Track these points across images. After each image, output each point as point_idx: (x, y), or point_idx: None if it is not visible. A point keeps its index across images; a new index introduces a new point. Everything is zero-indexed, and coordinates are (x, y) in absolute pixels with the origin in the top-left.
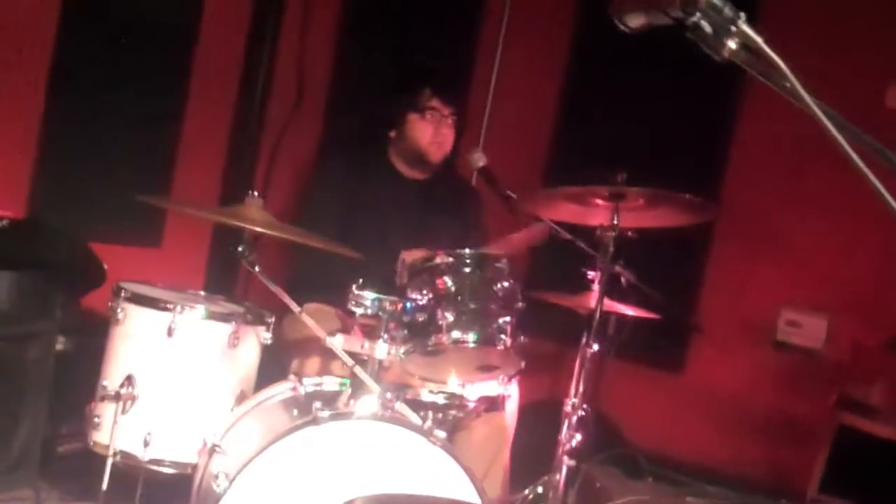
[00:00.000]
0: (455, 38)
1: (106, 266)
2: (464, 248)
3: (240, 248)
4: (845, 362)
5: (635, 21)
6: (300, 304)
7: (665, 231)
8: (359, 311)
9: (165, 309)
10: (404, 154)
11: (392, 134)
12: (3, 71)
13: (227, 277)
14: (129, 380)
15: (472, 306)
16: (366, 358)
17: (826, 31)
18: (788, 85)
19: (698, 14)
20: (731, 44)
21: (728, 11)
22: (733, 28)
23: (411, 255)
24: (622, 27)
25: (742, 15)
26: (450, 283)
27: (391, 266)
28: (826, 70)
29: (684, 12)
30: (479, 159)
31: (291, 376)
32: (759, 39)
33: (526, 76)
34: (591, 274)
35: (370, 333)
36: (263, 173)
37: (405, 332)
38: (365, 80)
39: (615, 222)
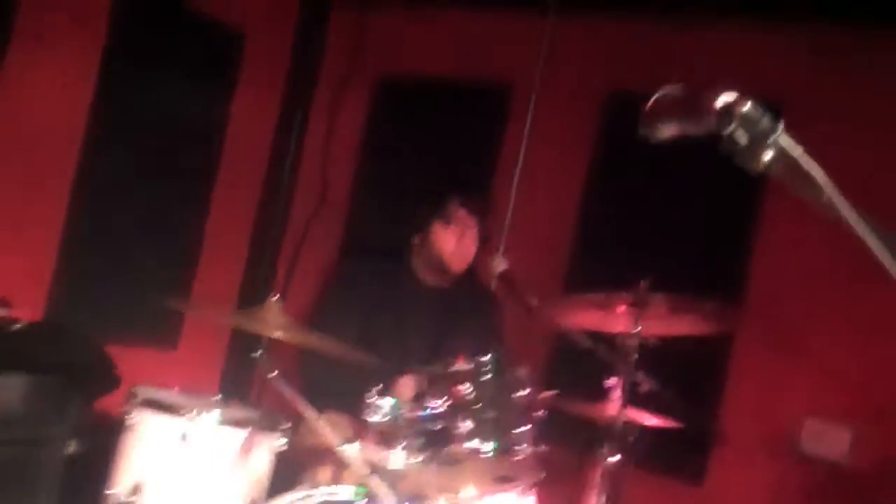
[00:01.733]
0: (478, 142)
1: (118, 370)
2: (484, 354)
3: (258, 354)
4: (872, 475)
5: (667, 132)
6: (318, 410)
7: (687, 337)
8: (374, 418)
9: (179, 414)
10: (427, 261)
11: (416, 240)
12: (29, 170)
13: (242, 381)
14: (136, 488)
15: (491, 415)
16: (381, 467)
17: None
18: (825, 198)
19: (734, 125)
20: (767, 156)
21: (766, 122)
22: (770, 140)
23: (408, 381)
24: (652, 139)
25: (780, 126)
26: (468, 390)
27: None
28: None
29: (720, 124)
30: (500, 264)
31: (305, 484)
32: (797, 152)
33: (548, 182)
34: (610, 382)
35: (386, 441)
36: (284, 274)
37: (422, 440)
38: (389, 182)
39: (637, 330)
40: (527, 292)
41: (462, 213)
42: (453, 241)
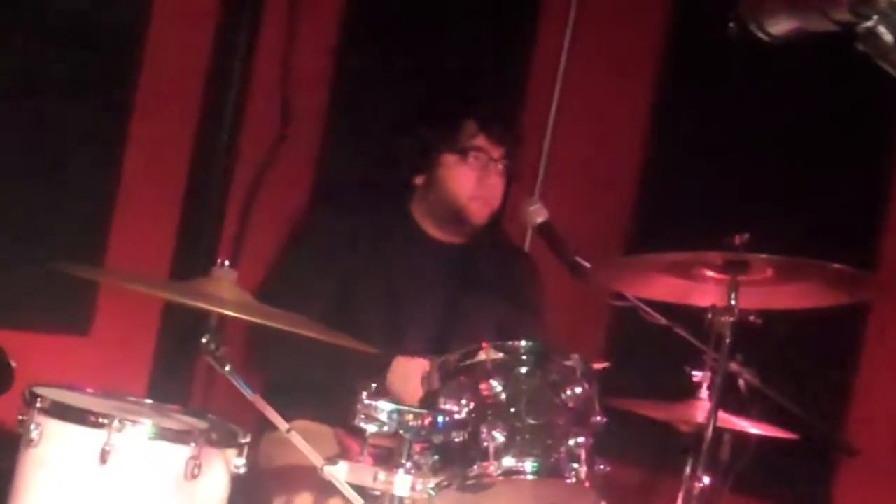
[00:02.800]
0: (501, 47)
1: (14, 363)
2: (518, 338)
3: (204, 339)
4: None
5: (779, 26)
6: (286, 418)
7: (802, 315)
8: (370, 428)
9: (97, 425)
10: (435, 210)
11: (418, 181)
12: None
13: (181, 379)
14: None
15: (531, 422)
16: (379, 494)
17: None
18: None
19: (875, 17)
20: None
21: None
22: None
23: (414, 363)
24: (760, 35)
25: None
26: (499, 388)
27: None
28: None
29: (855, 14)
30: (537, 213)
31: None
32: None
33: (599, 100)
34: (696, 375)
35: (386, 460)
36: (234, 235)
37: (436, 458)
38: (375, 105)
39: (732, 302)
40: (574, 251)
41: (483, 140)
42: (473, 180)
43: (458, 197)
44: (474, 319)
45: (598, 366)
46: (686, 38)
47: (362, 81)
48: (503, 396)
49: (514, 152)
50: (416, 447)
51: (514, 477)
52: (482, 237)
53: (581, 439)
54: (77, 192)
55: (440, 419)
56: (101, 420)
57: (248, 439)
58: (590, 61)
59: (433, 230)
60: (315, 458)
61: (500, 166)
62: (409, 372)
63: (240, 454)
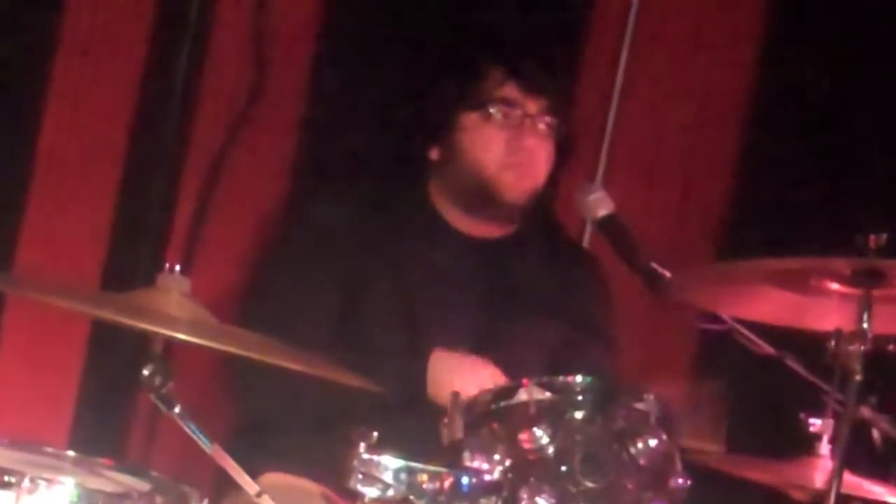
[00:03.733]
0: None
1: None
2: (575, 370)
3: (146, 371)
4: None
5: None
6: (255, 475)
7: None
8: (370, 492)
9: (2, 484)
10: (457, 191)
11: (433, 154)
12: None
13: (115, 424)
14: None
15: (589, 485)
16: None
17: None
18: None
19: None
20: None
21: None
22: None
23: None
24: None
25: None
26: (545, 439)
27: (425, 377)
28: None
29: None
30: (599, 203)
31: None
32: None
33: (686, 52)
34: (815, 424)
35: None
36: (187, 230)
37: None
38: (379, 53)
39: (864, 325)
40: (649, 256)
41: (512, 89)
42: (500, 143)
43: (485, 167)
44: (517, 343)
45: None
46: None
47: (359, 25)
48: (551, 450)
49: (560, 105)
50: None
51: None
52: (526, 228)
53: None
54: None
55: (465, 480)
56: (6, 478)
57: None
58: (665, 17)
59: (458, 220)
60: None
61: (539, 125)
62: (458, 368)
63: None
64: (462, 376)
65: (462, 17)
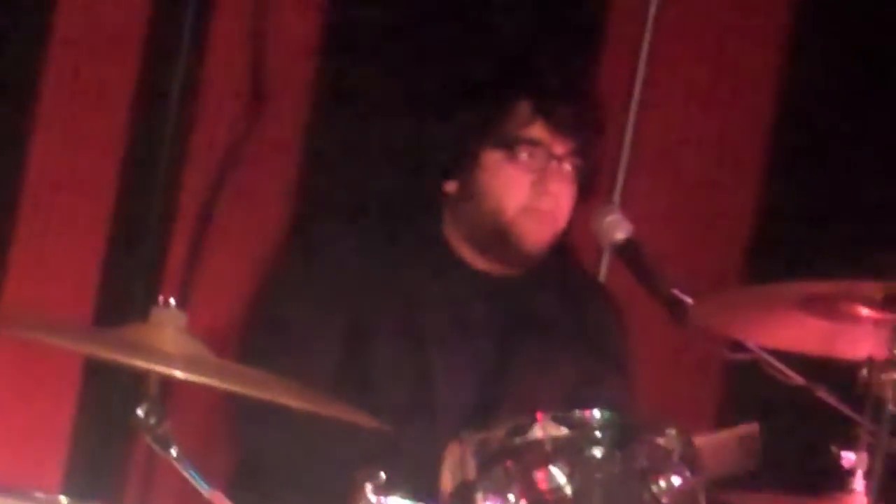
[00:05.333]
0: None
1: None
2: (591, 406)
3: (141, 411)
4: None
5: None
6: None
7: None
8: None
9: None
10: (474, 230)
11: (450, 188)
12: None
13: (110, 467)
14: None
15: None
16: None
17: None
18: None
19: None
20: None
21: None
22: None
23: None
24: None
25: None
26: (562, 479)
27: (442, 445)
28: None
29: None
30: (617, 227)
31: None
32: None
33: (705, 65)
34: (847, 457)
35: None
36: (183, 262)
37: None
38: (393, 76)
39: None
40: (671, 282)
41: (540, 129)
42: (524, 186)
43: (505, 210)
44: (533, 380)
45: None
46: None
47: (366, 56)
48: (568, 490)
49: (588, 148)
50: None
51: None
52: (543, 267)
53: None
54: None
55: None
56: None
57: None
58: (691, 15)
59: (473, 257)
60: None
61: (566, 167)
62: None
63: None
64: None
65: (482, 40)
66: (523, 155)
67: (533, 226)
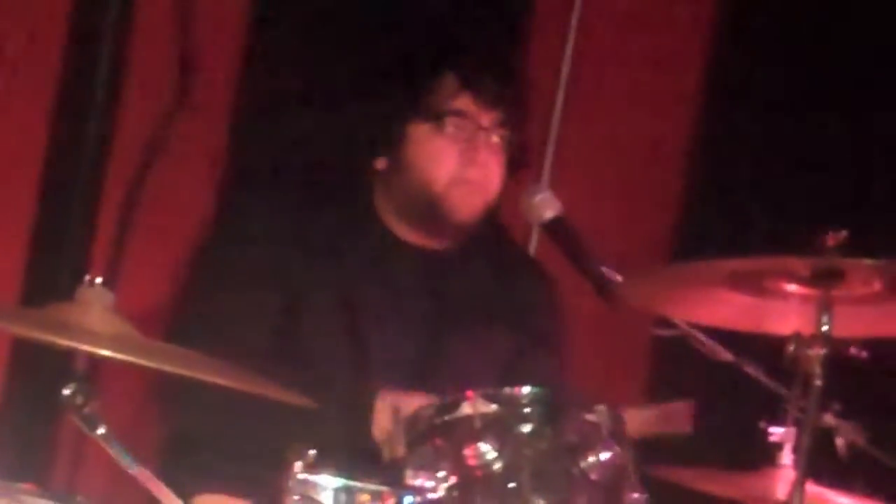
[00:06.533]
0: None
1: None
2: (523, 382)
3: (67, 391)
4: None
5: None
6: (187, 498)
7: None
8: None
9: None
10: (402, 203)
11: (379, 164)
12: None
13: (37, 447)
14: None
15: (541, 502)
16: None
17: None
18: None
19: None
20: None
21: None
22: None
23: (408, 402)
24: None
25: None
26: (492, 454)
27: (370, 419)
28: None
29: None
30: (546, 205)
31: None
32: None
33: (634, 41)
34: (775, 432)
35: None
36: (110, 240)
37: None
38: (314, 55)
39: (824, 328)
40: (600, 259)
41: (466, 100)
42: (452, 158)
43: (435, 182)
44: (467, 355)
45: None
46: None
47: (297, 16)
48: (498, 466)
49: (515, 119)
50: None
51: None
52: (475, 240)
53: None
54: None
55: (408, 500)
56: None
57: None
58: None
59: (405, 231)
60: None
61: (493, 138)
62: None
63: None
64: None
65: (407, 13)
66: (450, 127)
67: (463, 196)
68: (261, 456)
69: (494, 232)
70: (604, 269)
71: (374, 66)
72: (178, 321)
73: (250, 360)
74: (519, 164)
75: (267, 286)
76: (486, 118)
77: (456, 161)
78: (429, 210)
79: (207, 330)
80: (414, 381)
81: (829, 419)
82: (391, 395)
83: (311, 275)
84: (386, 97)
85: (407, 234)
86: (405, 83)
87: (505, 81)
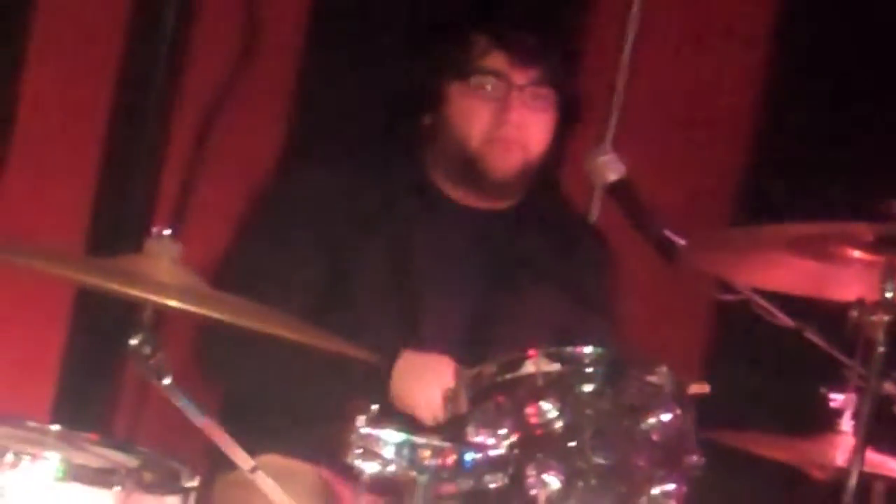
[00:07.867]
0: None
1: None
2: (581, 343)
3: (134, 341)
4: None
5: None
6: (251, 453)
7: None
8: (369, 467)
9: None
10: (447, 162)
11: (426, 121)
12: None
13: (101, 397)
14: None
15: (599, 461)
16: None
17: None
18: None
19: None
20: None
21: None
22: None
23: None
24: None
25: None
26: (553, 413)
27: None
28: None
29: None
30: (610, 168)
31: None
32: None
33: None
34: (836, 399)
35: None
36: (177, 193)
37: None
38: (377, 12)
39: (888, 294)
40: (663, 222)
41: (498, 58)
42: (484, 116)
43: (470, 140)
44: (520, 317)
45: (695, 390)
46: None
47: None
48: (559, 425)
49: (556, 76)
50: (438, 493)
51: None
52: (529, 199)
53: (670, 487)
54: None
55: (469, 457)
56: None
57: (195, 482)
58: None
59: (456, 192)
60: None
61: (531, 96)
62: (421, 373)
63: (184, 502)
64: (425, 382)
65: None
66: (484, 86)
67: (498, 155)
68: (322, 418)
69: (551, 193)
70: (666, 232)
71: (417, 28)
72: (224, 273)
73: (298, 316)
74: (573, 119)
75: (315, 242)
76: (522, 76)
77: (488, 120)
78: (467, 168)
79: (253, 283)
80: (465, 342)
81: (890, 386)
82: (411, 355)
83: (361, 231)
84: (424, 57)
85: (457, 195)
86: (439, 43)
87: (541, 37)
